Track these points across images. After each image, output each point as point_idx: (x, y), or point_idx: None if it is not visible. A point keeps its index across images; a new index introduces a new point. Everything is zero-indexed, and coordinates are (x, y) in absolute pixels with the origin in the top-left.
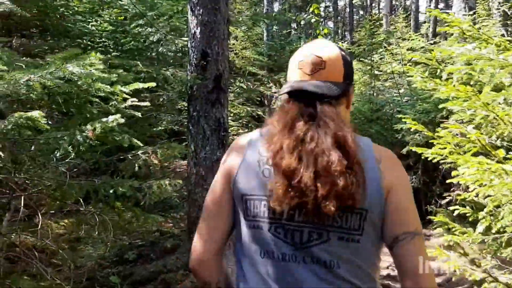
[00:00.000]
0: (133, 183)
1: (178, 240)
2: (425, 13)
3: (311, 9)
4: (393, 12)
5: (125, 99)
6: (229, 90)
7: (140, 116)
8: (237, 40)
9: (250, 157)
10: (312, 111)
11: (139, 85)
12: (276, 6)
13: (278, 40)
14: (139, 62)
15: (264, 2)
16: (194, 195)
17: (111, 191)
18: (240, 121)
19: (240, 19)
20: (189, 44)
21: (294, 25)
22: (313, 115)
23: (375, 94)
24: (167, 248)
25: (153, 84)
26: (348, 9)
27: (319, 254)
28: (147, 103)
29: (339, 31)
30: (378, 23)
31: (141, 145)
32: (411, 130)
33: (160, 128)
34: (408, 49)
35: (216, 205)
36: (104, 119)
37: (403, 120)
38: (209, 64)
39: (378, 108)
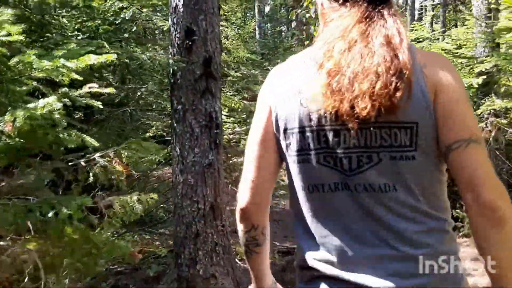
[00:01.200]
0: (84, 201)
1: (164, 265)
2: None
3: (305, 4)
4: None
5: (79, 85)
6: (221, 79)
7: (100, 107)
8: (227, 39)
9: (288, 86)
10: (371, 13)
11: (93, 59)
12: (268, 2)
13: (271, 38)
14: (105, 42)
15: None
16: (181, 209)
17: (50, 214)
18: (237, 116)
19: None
20: (170, 20)
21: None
22: (371, 17)
23: None
24: (150, 277)
25: (113, 57)
26: None
27: (372, 179)
28: (110, 90)
29: None
30: None
31: (96, 144)
32: None
33: (148, 134)
34: (412, 41)
35: (260, 145)
36: (31, 105)
37: None
38: (196, 45)
39: None
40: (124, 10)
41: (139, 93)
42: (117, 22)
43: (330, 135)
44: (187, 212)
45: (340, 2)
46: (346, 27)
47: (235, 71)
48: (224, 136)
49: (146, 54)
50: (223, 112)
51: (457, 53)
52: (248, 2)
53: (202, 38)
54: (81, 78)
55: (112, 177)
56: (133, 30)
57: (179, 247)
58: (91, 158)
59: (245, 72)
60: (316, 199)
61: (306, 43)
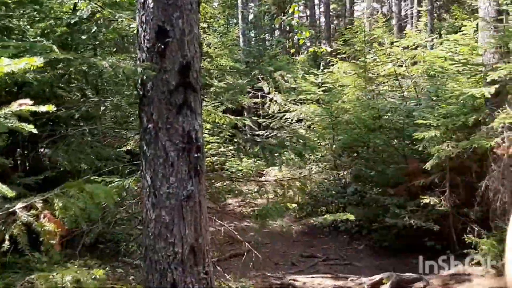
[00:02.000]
0: None
1: None
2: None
3: (290, 10)
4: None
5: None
6: (203, 90)
7: (33, 131)
8: (210, 47)
9: None
10: None
11: (7, 64)
12: (251, 9)
13: (255, 46)
14: (54, 46)
15: (239, 4)
16: (153, 253)
17: None
18: (221, 134)
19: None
20: (137, 18)
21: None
22: None
23: (374, 98)
24: None
25: (37, 61)
26: (322, 18)
27: None
28: (48, 108)
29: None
30: (368, 21)
31: (12, 194)
32: (436, 138)
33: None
34: (404, 48)
35: None
36: None
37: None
38: (170, 48)
39: (380, 115)
40: (79, 6)
41: (103, 108)
42: (72, 22)
43: None
44: (161, 256)
45: None
46: None
47: (219, 81)
48: (207, 158)
49: (107, 60)
50: (204, 130)
51: (464, 60)
52: (231, 8)
53: (178, 40)
54: None
55: (40, 239)
56: (93, 31)
57: None
58: (10, 210)
59: (230, 82)
60: None
61: (292, 51)
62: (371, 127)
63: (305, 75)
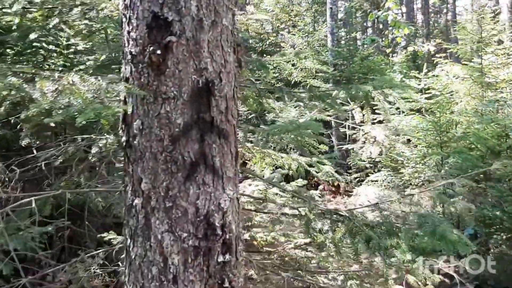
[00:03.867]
0: None
1: None
2: None
3: (386, 5)
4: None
5: None
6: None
7: None
8: (294, 48)
9: None
10: None
11: None
12: (342, 6)
13: (345, 46)
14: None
15: (327, 0)
16: None
17: None
18: (283, 198)
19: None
20: (121, 6)
21: (359, 33)
22: None
23: (498, 110)
24: None
25: None
26: (420, 15)
27: None
28: None
29: (413, 37)
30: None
31: None
32: None
33: None
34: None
35: None
36: None
37: None
38: (174, 54)
39: (508, 133)
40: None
41: (92, 152)
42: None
43: None
44: None
45: None
46: None
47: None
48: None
49: (59, 81)
50: (245, 197)
51: None
52: (319, 5)
53: (189, 40)
54: None
55: None
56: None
57: None
58: None
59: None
60: None
61: (387, 51)
62: (495, 149)
63: (404, 79)
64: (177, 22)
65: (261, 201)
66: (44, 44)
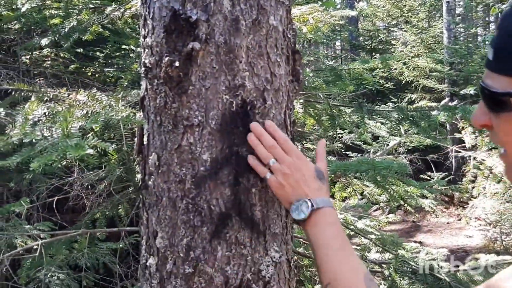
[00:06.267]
0: None
1: None
2: None
3: None
4: None
5: None
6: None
7: None
8: (406, 46)
9: None
10: None
11: None
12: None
13: (463, 43)
14: None
15: None
16: None
17: None
18: (365, 240)
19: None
20: (138, 2)
21: (480, 29)
22: None
23: None
24: None
25: None
26: None
27: None
28: None
29: None
30: None
31: None
32: None
33: None
34: None
35: None
36: None
37: None
38: (197, 66)
39: None
40: None
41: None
42: None
43: None
44: None
45: None
46: None
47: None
48: None
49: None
50: None
51: None
52: None
53: (220, 47)
54: None
55: None
56: None
57: None
58: None
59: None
60: None
61: None
62: None
63: None
64: (204, 22)
65: None
66: (132, 47)
